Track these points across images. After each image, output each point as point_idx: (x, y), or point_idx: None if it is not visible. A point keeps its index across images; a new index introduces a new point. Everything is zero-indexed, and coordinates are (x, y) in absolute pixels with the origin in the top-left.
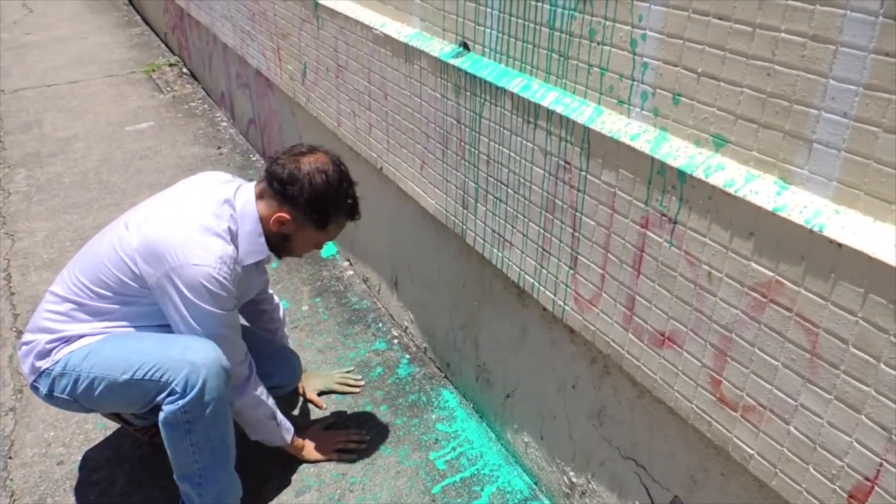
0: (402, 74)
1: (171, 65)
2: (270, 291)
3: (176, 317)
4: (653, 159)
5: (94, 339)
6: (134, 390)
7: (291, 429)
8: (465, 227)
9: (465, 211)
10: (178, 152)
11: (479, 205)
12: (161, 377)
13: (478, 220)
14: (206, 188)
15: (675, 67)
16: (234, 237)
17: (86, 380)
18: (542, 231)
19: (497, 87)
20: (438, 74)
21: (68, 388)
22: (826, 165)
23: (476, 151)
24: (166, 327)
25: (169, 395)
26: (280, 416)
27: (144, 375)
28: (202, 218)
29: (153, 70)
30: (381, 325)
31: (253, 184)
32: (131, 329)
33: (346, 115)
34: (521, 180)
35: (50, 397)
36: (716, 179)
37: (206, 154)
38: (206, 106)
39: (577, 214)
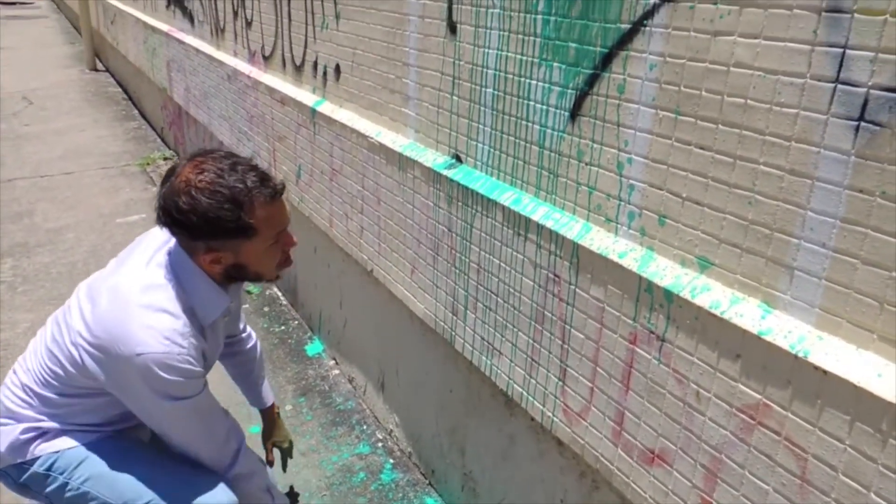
0: (395, 182)
1: (165, 158)
2: (248, 330)
3: (143, 417)
4: (640, 277)
5: (85, 442)
6: None
7: (287, 502)
8: (453, 333)
9: (455, 317)
10: None
11: (468, 312)
12: None
13: (467, 327)
14: (143, 255)
15: (661, 191)
16: (185, 303)
17: (75, 491)
18: (531, 341)
19: (489, 199)
20: (431, 184)
21: (50, 491)
22: (808, 292)
23: (467, 260)
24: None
25: None
26: (276, 488)
27: None
28: (141, 295)
29: (148, 163)
30: (365, 427)
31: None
32: (123, 438)
33: (338, 217)
34: (511, 290)
35: (24, 489)
36: (702, 300)
37: None
38: None
39: (567, 327)
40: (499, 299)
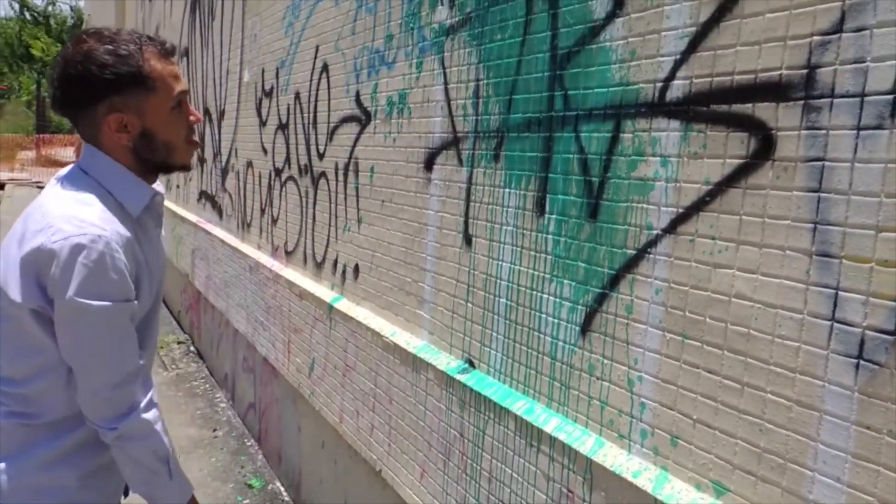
0: (408, 382)
1: (179, 342)
2: None
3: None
4: (656, 499)
5: None
6: None
7: (190, 486)
8: None
9: None
10: (173, 432)
11: None
12: None
13: None
14: (54, 180)
15: (672, 411)
16: (106, 197)
17: None
18: None
19: (501, 407)
20: (444, 387)
21: None
22: None
23: (478, 467)
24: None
25: None
26: (176, 465)
27: None
28: (54, 195)
29: (161, 347)
30: None
31: (85, 148)
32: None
33: (348, 414)
34: (524, 503)
35: None
36: None
37: (201, 437)
38: (207, 385)
39: None
40: None
